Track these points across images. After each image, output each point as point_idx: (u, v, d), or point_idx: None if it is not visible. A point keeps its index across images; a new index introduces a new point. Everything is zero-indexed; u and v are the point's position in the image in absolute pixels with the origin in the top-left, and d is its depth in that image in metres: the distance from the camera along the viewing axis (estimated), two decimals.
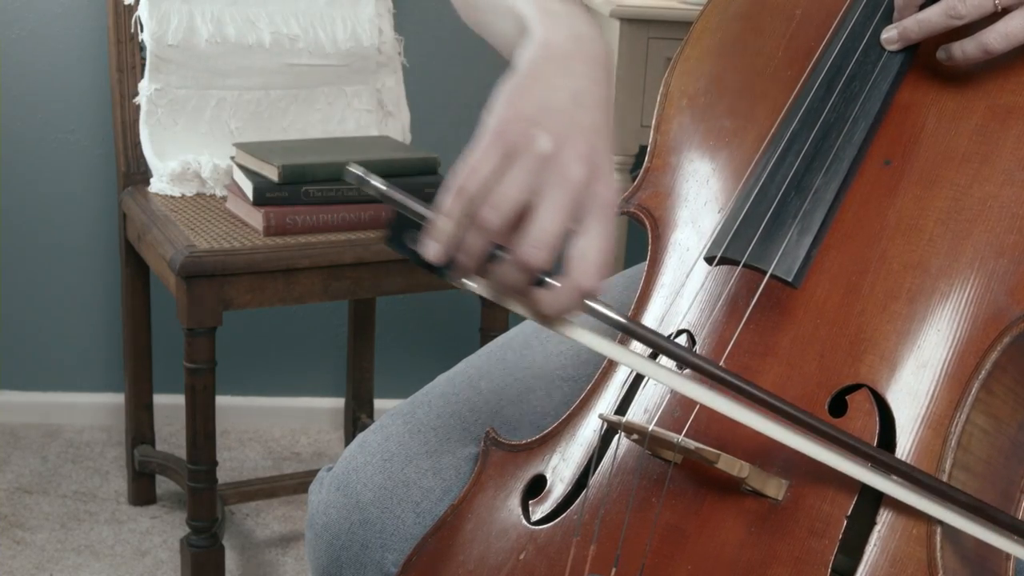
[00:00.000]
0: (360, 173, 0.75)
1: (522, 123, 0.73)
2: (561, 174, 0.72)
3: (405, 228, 0.75)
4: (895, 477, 0.73)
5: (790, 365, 0.79)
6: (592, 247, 0.72)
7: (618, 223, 2.10)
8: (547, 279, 0.73)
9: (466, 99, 2.36)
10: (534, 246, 0.71)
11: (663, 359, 0.81)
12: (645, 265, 0.93)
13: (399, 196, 0.75)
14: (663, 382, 0.79)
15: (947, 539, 0.73)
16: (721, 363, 0.81)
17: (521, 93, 0.76)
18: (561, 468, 0.88)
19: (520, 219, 0.72)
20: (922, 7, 0.83)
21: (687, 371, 0.78)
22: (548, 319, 0.75)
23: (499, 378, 1.03)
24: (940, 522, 0.73)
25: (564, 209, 0.72)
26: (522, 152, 0.72)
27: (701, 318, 0.84)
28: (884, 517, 0.74)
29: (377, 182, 0.75)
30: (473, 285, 0.77)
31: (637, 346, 0.86)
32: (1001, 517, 0.74)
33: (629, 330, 0.75)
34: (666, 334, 0.86)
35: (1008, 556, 0.77)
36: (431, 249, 0.74)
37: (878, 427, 0.76)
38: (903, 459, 0.75)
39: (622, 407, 0.86)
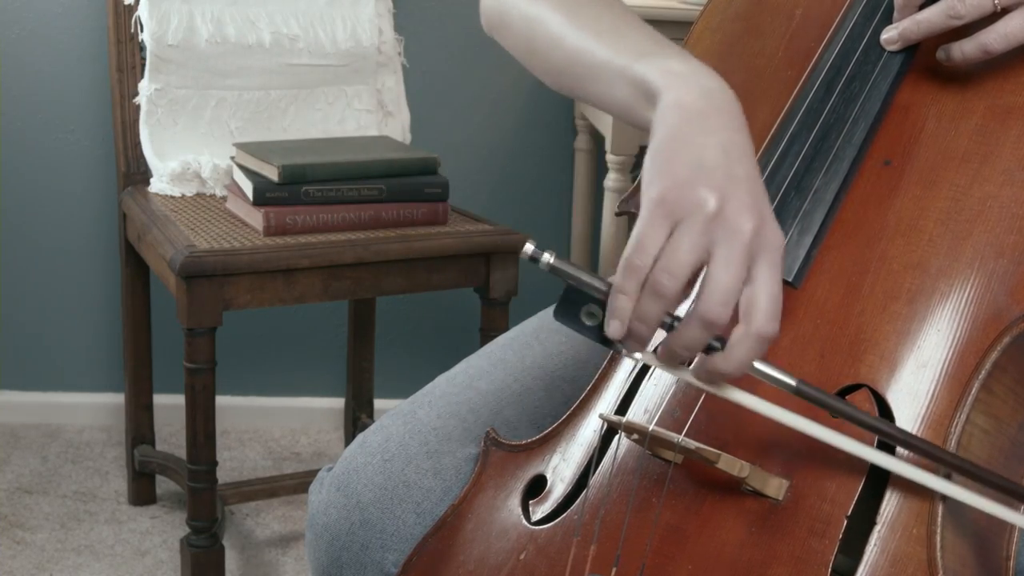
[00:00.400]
0: (532, 249, 0.75)
1: (682, 187, 0.73)
2: (731, 229, 0.72)
3: (576, 302, 0.76)
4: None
5: (790, 365, 0.79)
6: (764, 292, 0.72)
7: (618, 223, 2.10)
8: (718, 344, 0.73)
9: (466, 99, 2.36)
10: (716, 303, 0.71)
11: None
12: None
13: (573, 271, 0.75)
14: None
15: (947, 538, 0.74)
16: None
17: (671, 158, 0.75)
18: (561, 468, 0.88)
19: (693, 281, 0.72)
20: (922, 7, 0.84)
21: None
22: (723, 378, 0.74)
23: (499, 378, 1.03)
24: (941, 515, 0.73)
25: (740, 262, 0.71)
26: (688, 215, 0.72)
27: None
28: (884, 517, 0.74)
29: (549, 256, 0.75)
30: (641, 356, 0.77)
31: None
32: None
33: (804, 393, 0.74)
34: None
35: (1008, 556, 0.77)
36: (613, 328, 0.74)
37: None
38: (903, 458, 0.75)
39: (622, 407, 0.86)
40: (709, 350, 0.74)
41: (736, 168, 0.74)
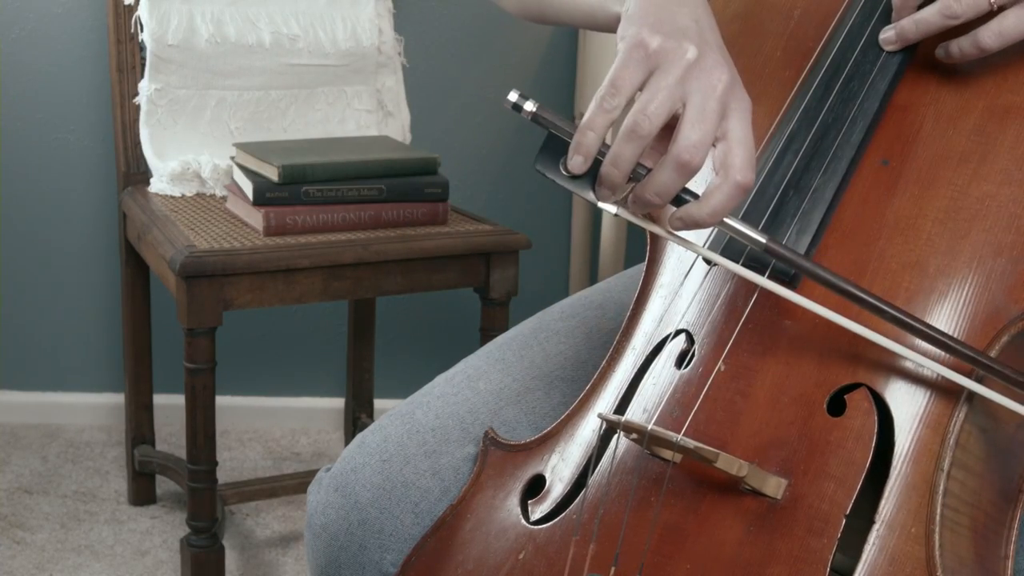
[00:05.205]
0: (516, 96, 0.78)
1: (663, 35, 0.76)
2: (707, 80, 0.75)
3: (556, 151, 0.79)
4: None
5: (788, 364, 0.79)
6: (739, 143, 0.75)
7: (618, 223, 2.10)
8: (688, 197, 0.76)
9: (466, 99, 2.36)
10: (693, 145, 0.74)
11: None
12: (644, 265, 0.93)
13: (556, 119, 0.79)
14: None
15: (946, 537, 0.74)
16: (720, 363, 0.81)
17: (650, 16, 0.78)
18: (560, 468, 0.88)
19: (667, 129, 0.75)
20: (920, 8, 0.84)
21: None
22: (697, 226, 0.77)
23: (498, 379, 1.03)
24: (940, 513, 0.73)
25: (715, 111, 0.75)
26: (667, 62, 0.75)
27: (700, 318, 0.85)
28: (883, 516, 0.74)
29: (530, 105, 0.78)
30: (613, 208, 0.80)
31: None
32: None
33: (773, 252, 0.77)
34: (664, 334, 0.86)
35: (1006, 555, 0.77)
36: (575, 162, 0.77)
37: (876, 426, 0.76)
38: (902, 458, 0.75)
39: (621, 407, 0.86)
40: (679, 202, 0.77)
41: (708, 35, 0.79)
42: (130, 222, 1.91)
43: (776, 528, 0.75)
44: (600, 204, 0.80)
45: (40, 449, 2.31)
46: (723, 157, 0.76)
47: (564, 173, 0.79)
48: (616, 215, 0.81)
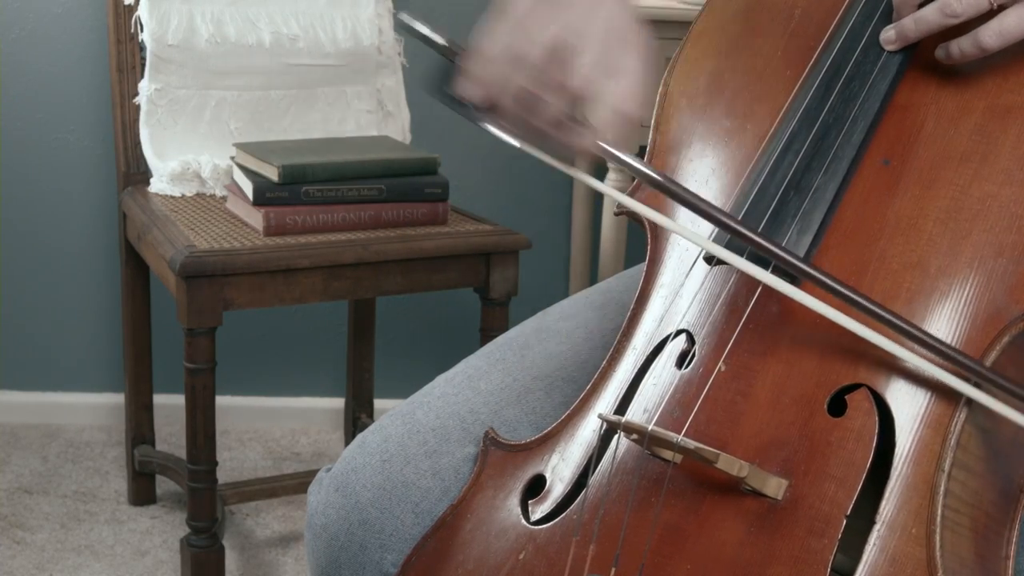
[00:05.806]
0: (406, 20, 0.81)
1: None
2: (595, 16, 0.79)
3: (447, 75, 0.80)
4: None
5: (789, 364, 0.79)
6: (625, 81, 0.79)
7: (618, 223, 2.10)
8: (575, 122, 0.78)
9: None
10: (579, 73, 0.77)
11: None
12: (644, 265, 0.93)
13: (442, 40, 0.81)
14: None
15: (947, 538, 0.74)
16: (721, 363, 0.81)
17: None
18: (560, 468, 0.88)
19: (559, 55, 0.78)
20: (920, 7, 0.84)
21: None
22: (583, 152, 0.80)
23: (498, 379, 1.02)
24: (940, 514, 0.73)
25: (600, 45, 0.78)
26: None
27: (701, 318, 0.84)
28: (883, 516, 0.74)
29: (422, 28, 0.81)
30: (500, 132, 0.81)
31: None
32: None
33: (657, 183, 0.79)
34: (665, 334, 0.86)
35: (1007, 556, 0.77)
36: (466, 89, 0.79)
37: (877, 427, 0.76)
38: (903, 459, 0.75)
39: (621, 407, 0.86)
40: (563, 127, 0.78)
41: None
42: (130, 222, 1.91)
43: (777, 529, 0.75)
44: (492, 130, 0.81)
45: (40, 449, 2.31)
46: (605, 90, 0.78)
47: (451, 95, 0.80)
48: (508, 141, 0.81)
